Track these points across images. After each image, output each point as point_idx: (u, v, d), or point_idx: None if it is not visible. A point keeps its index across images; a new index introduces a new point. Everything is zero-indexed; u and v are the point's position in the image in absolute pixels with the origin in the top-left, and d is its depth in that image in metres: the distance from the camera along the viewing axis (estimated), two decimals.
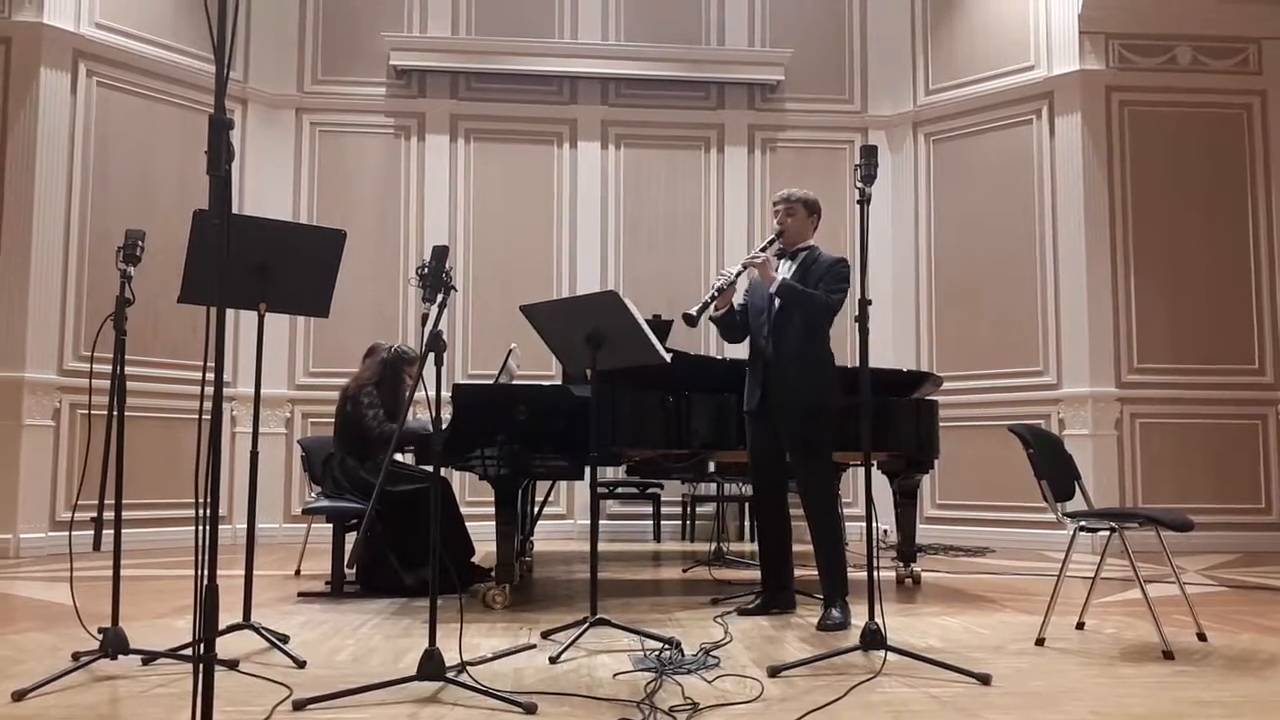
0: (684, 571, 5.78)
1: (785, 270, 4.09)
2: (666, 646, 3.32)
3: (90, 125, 6.79)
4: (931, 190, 8.03)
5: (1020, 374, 7.41)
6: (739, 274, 3.99)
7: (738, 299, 4.18)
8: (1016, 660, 3.28)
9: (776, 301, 3.99)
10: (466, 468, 4.58)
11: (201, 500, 1.90)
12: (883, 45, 8.29)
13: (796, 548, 4.25)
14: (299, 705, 2.58)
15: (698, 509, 7.73)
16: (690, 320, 3.85)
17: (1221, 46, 7.35)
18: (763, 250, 4.07)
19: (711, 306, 3.94)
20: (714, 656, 3.25)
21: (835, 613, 3.84)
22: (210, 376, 1.94)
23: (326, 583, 4.81)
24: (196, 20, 7.15)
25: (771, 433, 4.07)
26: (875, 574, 3.15)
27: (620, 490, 7.47)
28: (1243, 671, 3.12)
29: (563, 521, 7.73)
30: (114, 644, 2.97)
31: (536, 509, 6.04)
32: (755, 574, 5.34)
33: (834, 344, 4.08)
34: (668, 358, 3.75)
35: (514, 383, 5.19)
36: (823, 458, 4.00)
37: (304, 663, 3.10)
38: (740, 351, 4.86)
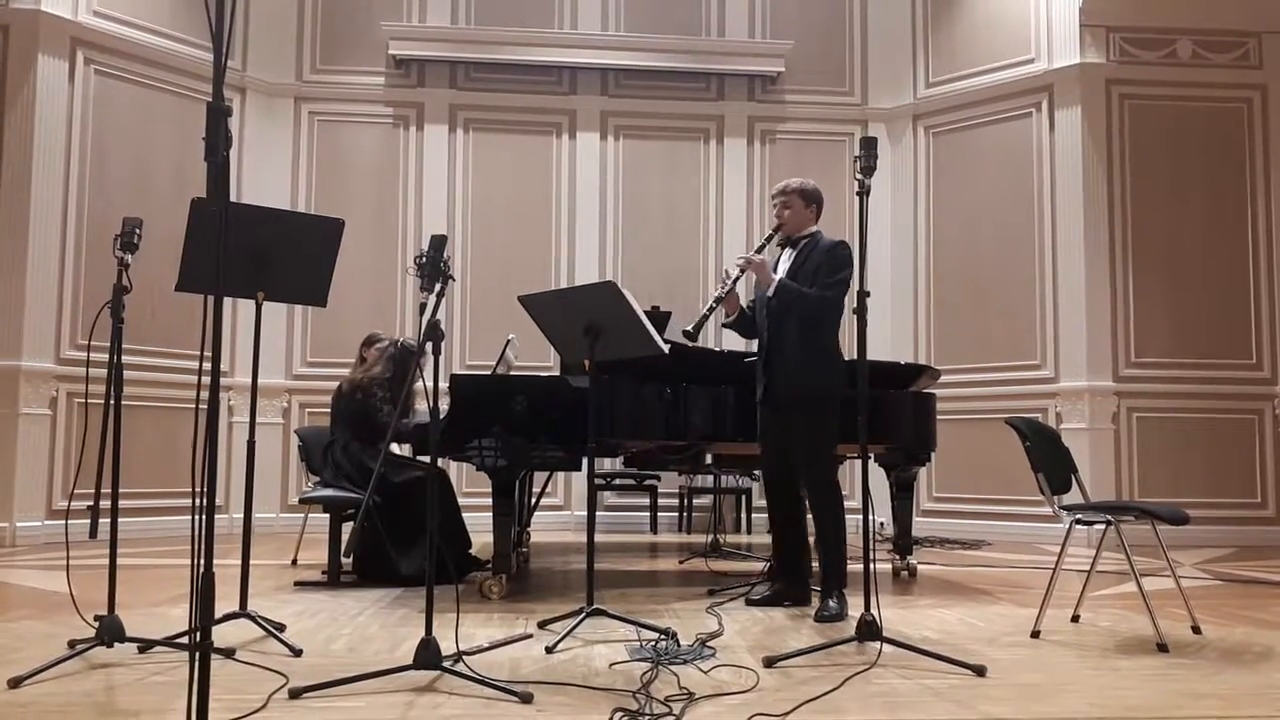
0: (680, 563, 5.78)
1: (786, 260, 4.11)
2: (663, 637, 3.33)
3: (88, 113, 6.76)
4: (931, 183, 8.02)
5: (1018, 367, 7.41)
6: (737, 279, 4.00)
7: (749, 295, 4.20)
8: (1012, 652, 3.29)
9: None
10: (464, 458, 4.58)
11: (198, 489, 1.89)
12: (883, 37, 8.27)
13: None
14: (295, 694, 2.58)
15: (694, 501, 7.74)
16: (690, 336, 3.88)
17: (1222, 40, 7.33)
18: (760, 250, 4.09)
19: (711, 317, 3.96)
20: (710, 647, 3.26)
21: (832, 604, 3.85)
22: (208, 366, 1.94)
23: (323, 572, 4.82)
24: (195, 8, 7.12)
25: (778, 427, 4.08)
26: (871, 566, 3.15)
27: (617, 482, 7.46)
28: (1237, 664, 3.14)
29: (560, 512, 7.74)
30: (110, 632, 2.97)
31: (534, 500, 6.04)
32: (751, 566, 5.37)
33: None
34: (666, 349, 3.75)
35: (512, 373, 5.19)
36: (824, 449, 4.01)
37: (300, 651, 3.11)
38: (742, 342, 4.88)
